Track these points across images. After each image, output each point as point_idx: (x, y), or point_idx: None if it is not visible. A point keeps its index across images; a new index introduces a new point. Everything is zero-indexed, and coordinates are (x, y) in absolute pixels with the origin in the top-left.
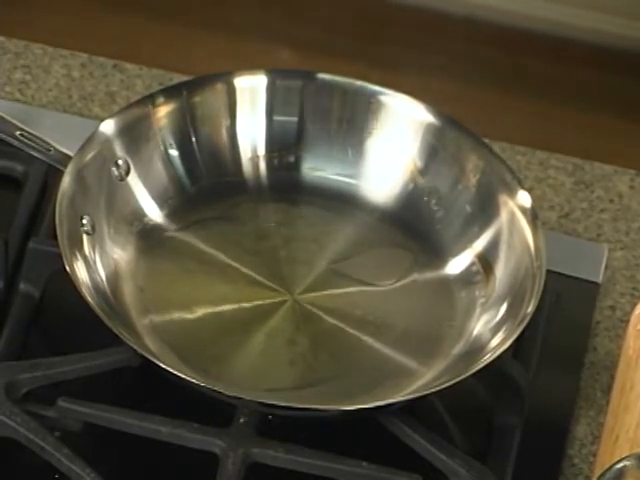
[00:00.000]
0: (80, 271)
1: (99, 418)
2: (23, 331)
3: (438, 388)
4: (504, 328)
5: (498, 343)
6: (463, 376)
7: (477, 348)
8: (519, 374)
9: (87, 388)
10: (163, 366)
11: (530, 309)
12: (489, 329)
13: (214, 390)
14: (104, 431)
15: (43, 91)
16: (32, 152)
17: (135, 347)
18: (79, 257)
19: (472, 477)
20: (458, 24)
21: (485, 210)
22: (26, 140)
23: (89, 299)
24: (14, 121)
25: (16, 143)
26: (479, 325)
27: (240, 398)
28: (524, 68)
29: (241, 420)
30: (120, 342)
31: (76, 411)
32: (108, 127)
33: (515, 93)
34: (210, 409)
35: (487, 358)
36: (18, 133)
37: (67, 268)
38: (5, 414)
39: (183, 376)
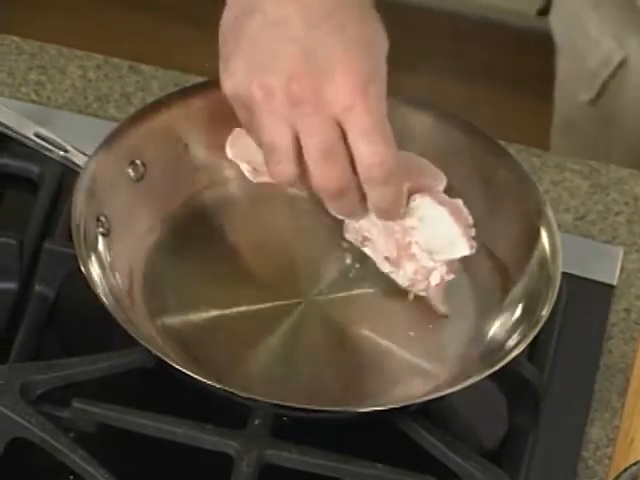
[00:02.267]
0: (95, 272)
1: (113, 419)
2: (38, 332)
3: (453, 390)
4: (519, 330)
5: (513, 345)
6: (478, 378)
7: (492, 350)
8: (534, 376)
9: (101, 389)
10: (178, 367)
11: (545, 311)
12: (504, 331)
13: (228, 391)
14: (118, 432)
15: (59, 92)
16: (47, 153)
17: (150, 348)
18: (94, 258)
19: (486, 479)
20: (472, 26)
21: (501, 212)
22: (42, 141)
23: (104, 300)
24: (30, 122)
25: (31, 144)
26: (494, 327)
27: (254, 399)
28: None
29: (255, 422)
30: (135, 343)
31: (91, 412)
32: (124, 128)
33: (529, 95)
34: (224, 410)
35: (502, 360)
36: (33, 134)
37: (82, 269)
38: (20, 415)
39: (197, 377)
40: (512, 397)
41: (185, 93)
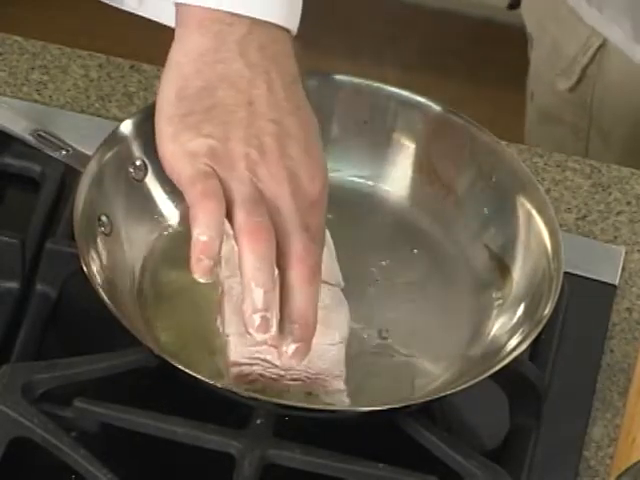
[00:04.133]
0: (97, 272)
1: (115, 419)
2: (40, 332)
3: (455, 390)
4: (521, 330)
5: (515, 345)
6: (479, 378)
7: (494, 350)
8: (536, 376)
9: (103, 389)
10: (180, 367)
11: (547, 311)
12: (506, 331)
13: (231, 391)
14: (120, 432)
15: (61, 91)
16: (49, 152)
17: (152, 348)
18: (96, 258)
19: (488, 479)
20: (477, 26)
21: (502, 212)
22: (43, 140)
23: (106, 300)
24: (31, 121)
25: (33, 143)
26: (496, 327)
27: (257, 399)
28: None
29: (257, 421)
30: (137, 343)
31: (93, 411)
32: (126, 128)
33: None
34: (226, 410)
35: (504, 360)
36: (36, 133)
37: (84, 268)
38: (22, 414)
39: (200, 377)
40: (514, 397)
41: None
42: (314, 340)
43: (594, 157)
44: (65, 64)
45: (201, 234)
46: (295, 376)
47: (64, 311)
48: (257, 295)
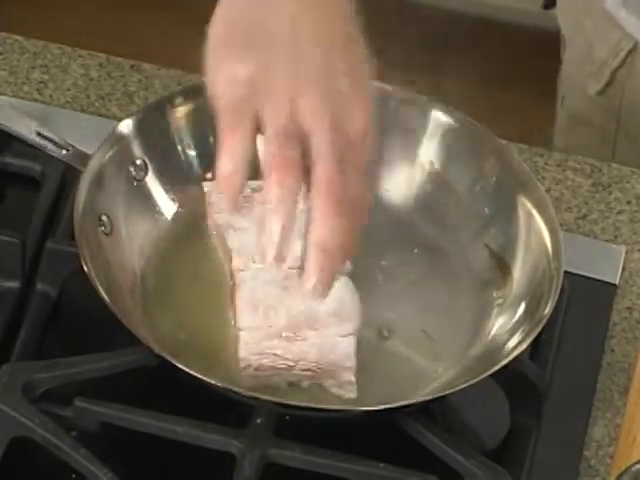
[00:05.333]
0: (97, 271)
1: (116, 418)
2: (40, 331)
3: (455, 389)
4: (521, 329)
5: (515, 344)
6: (480, 377)
7: (494, 349)
8: (536, 375)
9: (103, 388)
10: (181, 366)
11: (547, 310)
12: (506, 330)
13: (232, 390)
14: (120, 431)
15: (61, 91)
16: (50, 152)
17: (153, 347)
18: (96, 257)
19: (488, 478)
20: (472, 24)
21: (503, 211)
22: (44, 140)
23: (106, 299)
24: (32, 120)
25: (34, 142)
26: (496, 326)
27: (257, 398)
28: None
29: (258, 420)
30: (137, 342)
31: (93, 411)
32: (126, 127)
33: (532, 95)
34: (226, 409)
35: (504, 359)
36: (36, 132)
37: (84, 268)
38: (22, 414)
39: (200, 376)
40: (514, 396)
41: (187, 93)
42: (325, 331)
43: (621, 161)
44: (65, 63)
45: (223, 165)
46: (305, 367)
47: (64, 310)
48: (275, 228)
